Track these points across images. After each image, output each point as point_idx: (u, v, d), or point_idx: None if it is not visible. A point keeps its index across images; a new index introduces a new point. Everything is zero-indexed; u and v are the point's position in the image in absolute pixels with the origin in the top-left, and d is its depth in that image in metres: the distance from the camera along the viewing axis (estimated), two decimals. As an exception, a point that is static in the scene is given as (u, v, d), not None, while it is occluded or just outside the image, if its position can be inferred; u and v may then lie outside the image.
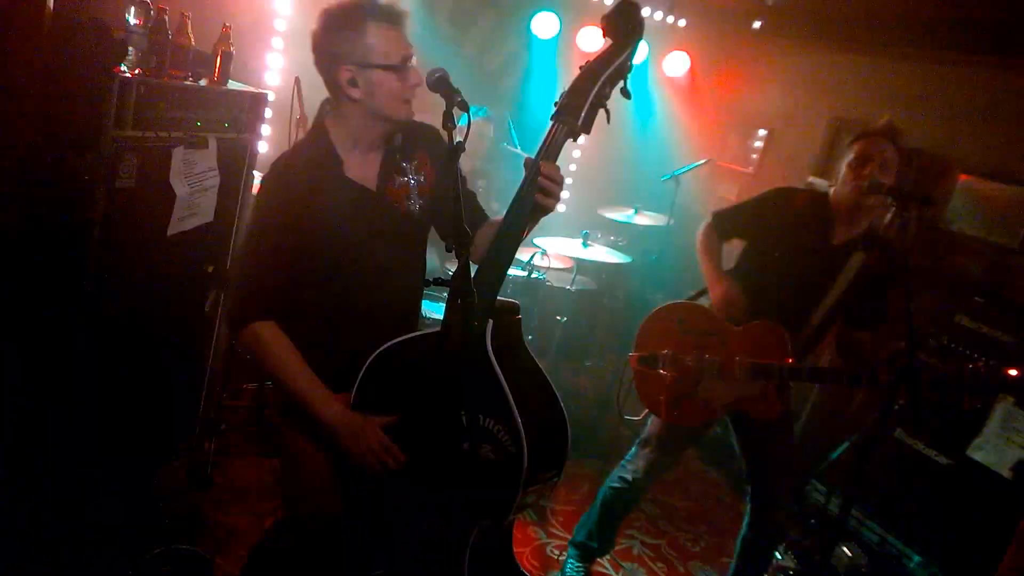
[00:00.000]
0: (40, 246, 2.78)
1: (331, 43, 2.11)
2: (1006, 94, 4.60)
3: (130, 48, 2.74)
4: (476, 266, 2.02)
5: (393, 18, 2.10)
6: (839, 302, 3.07)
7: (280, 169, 2.21)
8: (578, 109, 1.91)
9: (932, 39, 5.01)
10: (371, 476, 2.12)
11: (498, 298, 2.04)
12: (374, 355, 2.13)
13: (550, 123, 1.96)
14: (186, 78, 2.99)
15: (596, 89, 1.91)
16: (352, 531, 2.25)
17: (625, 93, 1.98)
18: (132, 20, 2.75)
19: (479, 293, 1.91)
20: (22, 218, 2.72)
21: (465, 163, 3.65)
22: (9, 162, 2.62)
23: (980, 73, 4.78)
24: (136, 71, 2.75)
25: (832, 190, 3.13)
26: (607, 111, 1.97)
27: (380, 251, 2.22)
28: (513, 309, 2.11)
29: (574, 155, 7.06)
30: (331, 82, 2.16)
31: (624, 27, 1.92)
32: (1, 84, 2.53)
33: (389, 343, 2.12)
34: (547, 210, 2.02)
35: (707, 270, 3.24)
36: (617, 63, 1.92)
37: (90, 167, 2.66)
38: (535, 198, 1.96)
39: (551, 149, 1.97)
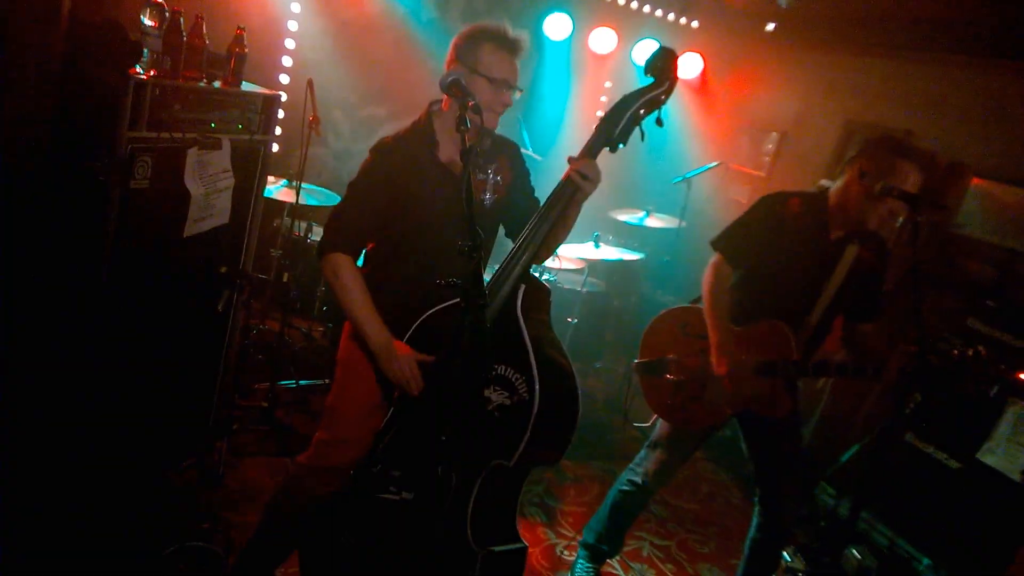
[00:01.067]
0: (55, 247, 2.81)
1: (456, 47, 2.53)
2: (1020, 98, 4.58)
3: (145, 50, 2.76)
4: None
5: (507, 45, 2.52)
6: (837, 296, 3.07)
7: (387, 142, 2.61)
8: (618, 121, 2.32)
9: (945, 42, 5.00)
10: (401, 404, 2.43)
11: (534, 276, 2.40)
12: (423, 316, 2.44)
13: (594, 130, 2.36)
14: (200, 80, 3.01)
15: (635, 108, 2.32)
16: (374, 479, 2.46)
17: (659, 122, 2.37)
18: (147, 22, 2.77)
19: (514, 260, 2.31)
20: (38, 219, 2.75)
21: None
22: (25, 163, 2.65)
23: (993, 76, 4.77)
24: (151, 72, 2.78)
25: (833, 188, 3.11)
26: (642, 131, 2.39)
27: (451, 231, 2.40)
28: (545, 289, 2.47)
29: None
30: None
31: (662, 69, 2.33)
32: (17, 85, 2.56)
33: (437, 307, 2.42)
34: (583, 191, 2.35)
35: (709, 314, 3.12)
36: (653, 94, 2.33)
37: (105, 168, 2.68)
38: (572, 180, 2.33)
39: (593, 147, 2.35)
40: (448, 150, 2.60)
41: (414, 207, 2.55)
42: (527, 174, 2.82)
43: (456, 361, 2.23)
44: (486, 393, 2.26)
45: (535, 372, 2.21)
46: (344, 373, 2.73)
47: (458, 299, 2.31)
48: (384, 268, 2.63)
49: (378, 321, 2.49)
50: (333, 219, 2.62)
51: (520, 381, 2.23)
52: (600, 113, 2.35)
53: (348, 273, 2.53)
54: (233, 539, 3.30)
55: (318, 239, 2.80)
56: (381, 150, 2.59)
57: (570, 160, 2.36)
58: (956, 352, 2.68)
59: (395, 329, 2.49)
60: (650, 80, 2.34)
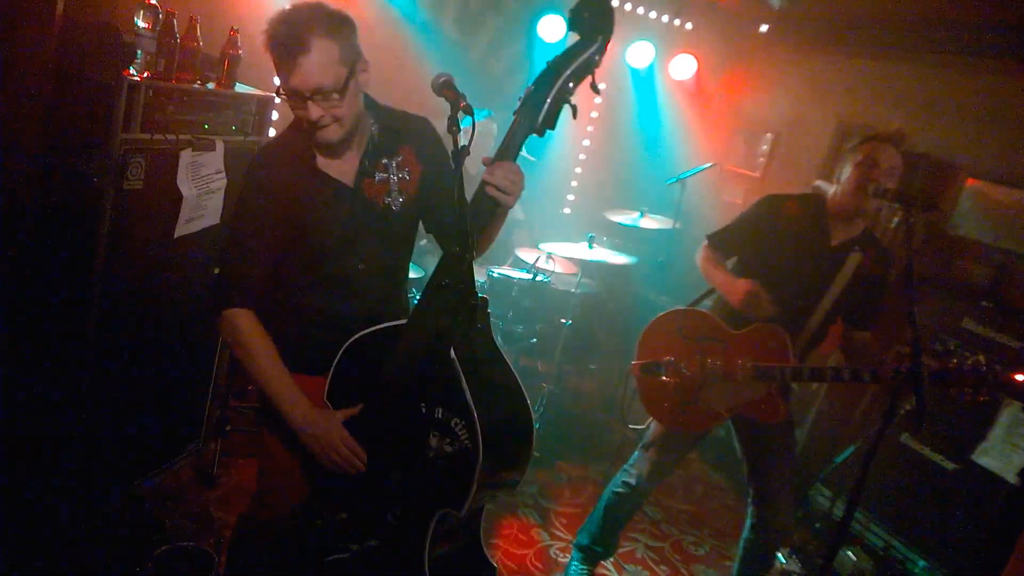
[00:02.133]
0: (49, 247, 2.81)
1: (355, 45, 2.15)
2: (1014, 98, 4.59)
3: (139, 51, 2.76)
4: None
5: (282, 52, 2.01)
6: (837, 303, 3.07)
7: (262, 159, 2.26)
8: (539, 105, 1.87)
9: (939, 43, 5.00)
10: (335, 473, 2.16)
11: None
12: (347, 344, 2.18)
13: (512, 117, 1.93)
14: (194, 81, 3.01)
15: (559, 85, 1.86)
16: (317, 518, 2.28)
17: (595, 89, 1.91)
18: (141, 23, 2.77)
19: (448, 288, 1.94)
20: (31, 220, 2.74)
21: (471, 166, 3.65)
22: (19, 164, 2.64)
23: (988, 77, 4.77)
24: (144, 74, 2.78)
25: (832, 191, 3.12)
26: (573, 107, 1.90)
27: (359, 248, 2.24)
28: (482, 305, 2.08)
29: (580, 157, 7.07)
30: (356, 77, 2.16)
31: (589, 21, 1.84)
32: (11, 87, 2.55)
33: (361, 333, 2.17)
34: (503, 206, 2.00)
35: (718, 278, 3.20)
36: (581, 60, 1.85)
37: (98, 169, 2.68)
38: (489, 195, 1.95)
39: (510, 146, 1.94)
40: (331, 158, 2.22)
41: (309, 232, 2.20)
42: (444, 155, 2.33)
43: (393, 394, 2.05)
44: (424, 439, 2.01)
45: (475, 417, 1.91)
46: (265, 432, 2.40)
47: (378, 326, 2.13)
48: (289, 303, 2.30)
49: (293, 390, 2.15)
50: (218, 273, 2.27)
51: (460, 426, 1.95)
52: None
53: (249, 331, 2.16)
54: (225, 538, 3.30)
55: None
56: (254, 170, 2.24)
57: (485, 163, 1.96)
58: (955, 361, 2.66)
59: (312, 367, 2.23)
60: (577, 39, 1.87)
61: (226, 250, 2.29)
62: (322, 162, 2.20)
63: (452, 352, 1.96)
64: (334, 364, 2.20)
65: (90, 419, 3.00)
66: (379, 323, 2.20)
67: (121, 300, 2.96)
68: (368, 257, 2.27)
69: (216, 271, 2.27)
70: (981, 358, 2.63)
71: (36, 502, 2.96)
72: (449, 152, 2.04)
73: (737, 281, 3.09)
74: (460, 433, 1.95)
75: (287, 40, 1.98)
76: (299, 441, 2.15)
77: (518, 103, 1.91)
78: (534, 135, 1.92)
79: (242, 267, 2.20)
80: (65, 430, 2.94)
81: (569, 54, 1.87)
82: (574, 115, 1.93)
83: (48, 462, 2.96)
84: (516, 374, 2.11)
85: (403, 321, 2.10)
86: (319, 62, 1.99)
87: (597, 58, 1.85)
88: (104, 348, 2.96)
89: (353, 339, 2.17)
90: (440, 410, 1.99)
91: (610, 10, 1.83)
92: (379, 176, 2.25)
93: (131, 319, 3.06)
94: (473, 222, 1.93)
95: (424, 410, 2.02)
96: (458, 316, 1.93)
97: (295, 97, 2.02)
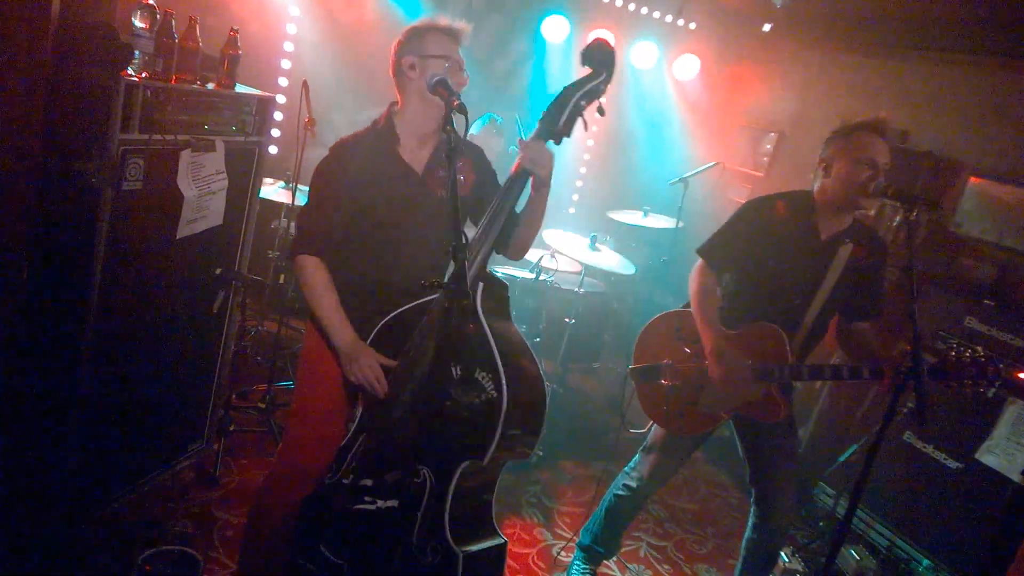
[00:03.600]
0: (48, 249, 2.82)
1: (400, 45, 2.58)
2: (1017, 96, 4.58)
3: (136, 51, 2.76)
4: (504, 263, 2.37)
5: (448, 32, 2.58)
6: (831, 297, 3.04)
7: (347, 141, 2.64)
8: (559, 116, 2.39)
9: (942, 40, 4.99)
10: (368, 410, 2.51)
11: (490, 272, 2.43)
12: (387, 318, 2.49)
13: (537, 123, 2.42)
14: (193, 81, 3.01)
15: (575, 100, 2.39)
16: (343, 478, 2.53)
17: (600, 111, 2.45)
18: (138, 24, 2.77)
19: (471, 257, 2.31)
20: (30, 221, 2.75)
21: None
22: (16, 165, 2.65)
23: (991, 74, 4.76)
24: (142, 74, 2.78)
25: (818, 184, 3.09)
26: (584, 121, 2.44)
27: (413, 225, 2.60)
28: (503, 285, 2.47)
29: (584, 157, 7.07)
30: (398, 73, 2.60)
31: (598, 59, 2.41)
32: (8, 88, 2.55)
33: (401, 309, 2.48)
34: (539, 177, 2.41)
35: (699, 318, 3.12)
36: (590, 86, 2.41)
37: (97, 170, 2.68)
38: (523, 167, 2.38)
39: (536, 135, 2.42)
40: (410, 148, 2.63)
41: (375, 206, 2.57)
42: (493, 174, 2.84)
43: (423, 361, 2.30)
44: (454, 394, 2.26)
45: (501, 370, 2.21)
46: (307, 371, 2.78)
47: (423, 299, 2.43)
48: (348, 268, 2.64)
49: (343, 321, 2.54)
50: (300, 222, 2.68)
51: (487, 379, 2.23)
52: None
53: (314, 274, 2.57)
54: (230, 539, 3.31)
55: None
56: (340, 149, 2.62)
57: (520, 143, 2.41)
58: (954, 353, 2.65)
59: (360, 331, 2.53)
60: (589, 72, 2.41)
61: (306, 210, 2.67)
62: (402, 149, 2.61)
63: (480, 311, 2.29)
64: (375, 330, 2.50)
65: (91, 420, 3.01)
66: (417, 294, 2.50)
67: (121, 300, 2.97)
68: (418, 235, 2.60)
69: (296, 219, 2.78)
70: (979, 349, 2.62)
71: (36, 504, 2.97)
72: (494, 177, 2.79)
73: (717, 359, 3.01)
74: (487, 385, 2.22)
75: (446, 27, 2.57)
76: (339, 360, 2.51)
77: (542, 112, 2.42)
78: (552, 139, 2.40)
79: (317, 224, 2.59)
80: (66, 431, 2.95)
81: (582, 81, 2.41)
82: (586, 127, 2.47)
83: (49, 464, 2.96)
84: (534, 355, 2.40)
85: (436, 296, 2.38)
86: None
87: (603, 87, 2.42)
88: (105, 349, 2.96)
89: (394, 313, 2.48)
90: (470, 367, 2.25)
91: (613, 54, 2.42)
92: (443, 172, 2.62)
93: (132, 319, 3.07)
94: (505, 200, 2.40)
95: (454, 370, 2.27)
96: (450, 314, 2.14)
97: (452, 63, 2.52)
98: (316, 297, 2.56)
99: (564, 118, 2.37)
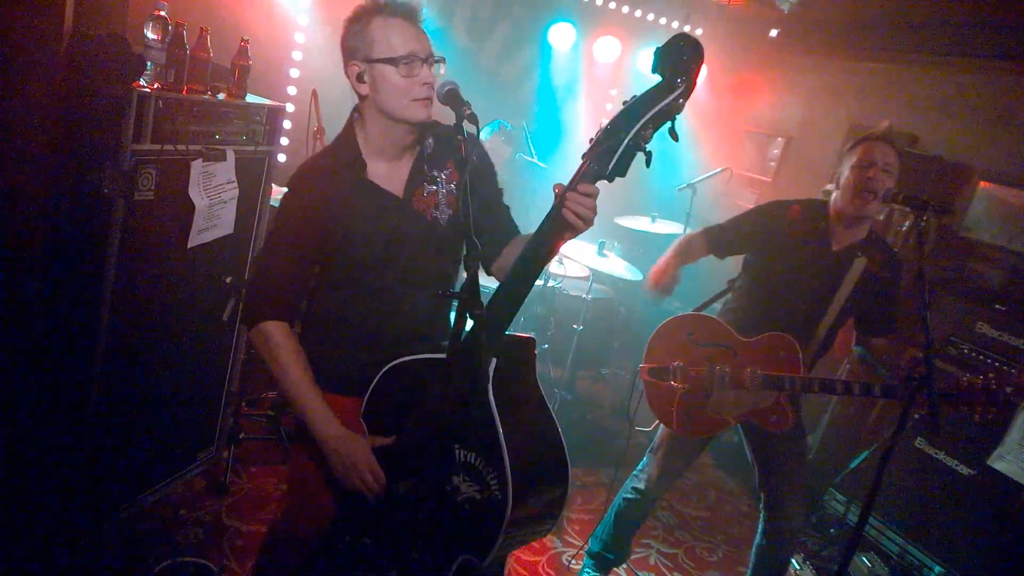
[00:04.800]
0: (61, 259, 2.83)
1: (344, 41, 2.13)
2: (1026, 100, 4.57)
3: (148, 63, 2.79)
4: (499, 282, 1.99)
5: (397, 11, 2.06)
6: (845, 308, 3.05)
7: (305, 171, 2.21)
8: (611, 152, 1.70)
9: (950, 44, 4.98)
10: (359, 497, 2.11)
11: (513, 334, 1.97)
12: (384, 369, 2.13)
13: (581, 160, 1.78)
14: (204, 92, 3.03)
15: (635, 131, 1.67)
16: (340, 552, 2.24)
17: (673, 135, 1.72)
18: (151, 35, 2.80)
19: (489, 325, 1.85)
20: (43, 231, 2.77)
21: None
22: (30, 176, 2.67)
23: (1000, 79, 4.75)
24: (154, 85, 2.80)
25: (833, 196, 3.10)
26: (648, 154, 1.71)
27: (404, 259, 2.19)
28: (527, 344, 2.04)
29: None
30: (352, 84, 2.15)
31: (675, 64, 1.64)
32: (21, 99, 2.57)
33: (401, 359, 2.11)
34: (575, 231, 1.84)
35: (662, 260, 3.29)
36: (661, 105, 1.66)
37: (109, 180, 2.70)
38: (564, 215, 1.80)
39: (580, 177, 1.80)
40: (378, 165, 2.18)
41: (351, 242, 2.14)
42: (491, 173, 2.35)
43: (426, 429, 1.98)
44: (454, 480, 1.92)
45: (507, 468, 1.80)
46: (299, 437, 2.36)
47: (426, 354, 2.05)
48: (331, 318, 2.26)
49: (321, 408, 2.11)
50: (254, 279, 2.26)
51: (491, 475, 1.85)
52: (605, 122, 1.74)
53: (281, 344, 2.14)
54: (240, 547, 3.32)
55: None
56: (298, 181, 2.19)
57: (558, 189, 1.82)
58: (966, 379, 2.66)
59: (351, 384, 2.20)
60: (660, 81, 1.67)
61: (260, 263, 2.29)
62: (372, 171, 2.17)
63: (491, 394, 1.85)
64: (373, 383, 2.15)
65: (103, 428, 3.02)
66: (421, 341, 2.19)
67: (133, 309, 2.98)
68: (412, 271, 2.22)
69: (246, 282, 2.25)
70: (991, 375, 2.63)
71: (47, 512, 2.98)
72: (496, 172, 2.24)
73: (659, 263, 3.22)
74: (491, 482, 1.85)
75: (393, 5, 2.06)
76: (324, 455, 2.11)
77: (589, 143, 1.76)
78: (604, 180, 1.76)
79: (275, 280, 2.18)
80: (77, 439, 2.96)
81: (650, 97, 1.67)
82: (648, 163, 1.73)
83: (60, 472, 2.97)
84: (555, 419, 2.02)
85: (443, 355, 1.98)
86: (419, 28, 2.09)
87: (681, 102, 1.67)
88: (117, 357, 2.98)
89: (394, 363, 2.11)
90: (473, 456, 1.90)
91: (696, 57, 1.63)
92: (428, 188, 2.22)
93: (143, 328, 3.08)
94: (538, 243, 1.85)
95: (458, 453, 1.92)
96: (474, 333, 1.85)
97: (411, 60, 2.04)
98: (288, 377, 2.12)
99: (619, 155, 1.70)
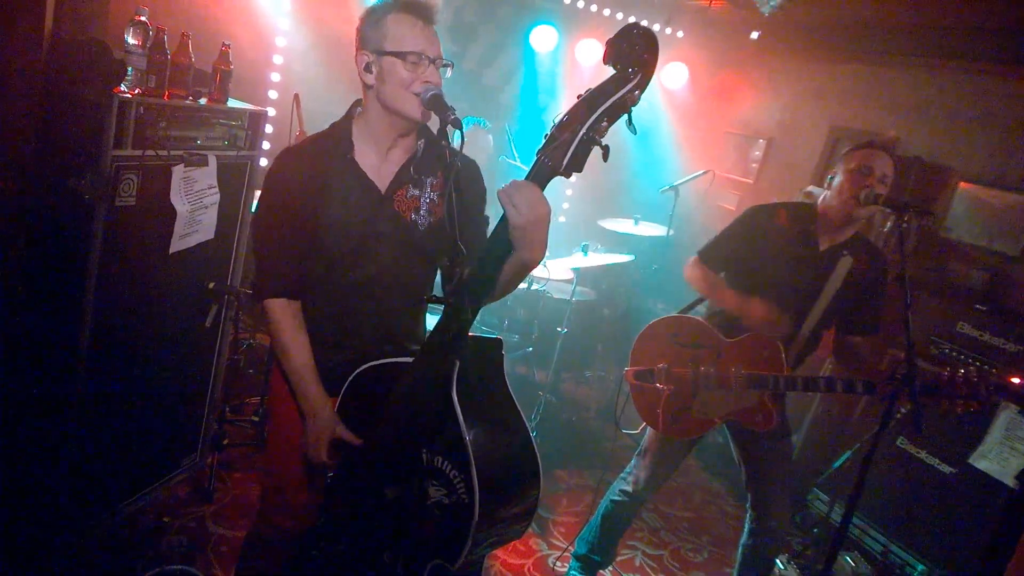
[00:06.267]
0: (42, 265, 2.81)
1: (359, 30, 2.17)
2: (1006, 101, 4.61)
3: (129, 68, 2.76)
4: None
5: (412, 8, 2.11)
6: (829, 309, 3.07)
7: (291, 149, 2.28)
8: (565, 146, 1.64)
9: (930, 47, 5.03)
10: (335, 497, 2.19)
11: (479, 335, 1.97)
12: (355, 373, 2.18)
13: (535, 157, 1.72)
14: (186, 97, 3.01)
15: (589, 124, 1.61)
16: (316, 557, 2.29)
17: (631, 128, 1.68)
18: (131, 40, 2.77)
19: (453, 328, 1.85)
20: (24, 238, 2.74)
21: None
22: (10, 182, 2.64)
23: (979, 80, 4.80)
24: (135, 91, 2.78)
25: (822, 197, 3.12)
26: (604, 148, 1.65)
27: (381, 254, 2.22)
28: (494, 346, 2.02)
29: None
30: (359, 71, 2.19)
31: (627, 55, 1.59)
32: (1, 105, 2.55)
33: (370, 364, 2.16)
34: (516, 228, 1.75)
35: (730, 300, 3.15)
36: (615, 97, 1.60)
37: (90, 186, 2.68)
38: (508, 224, 1.75)
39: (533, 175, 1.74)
40: (370, 159, 2.22)
41: (329, 226, 2.17)
42: (480, 195, 2.37)
43: (394, 433, 2.01)
44: (423, 484, 1.92)
45: (473, 471, 1.79)
46: (278, 433, 2.47)
47: (396, 358, 2.08)
48: (312, 303, 2.30)
49: (313, 380, 2.22)
50: (256, 265, 2.30)
51: (458, 480, 1.84)
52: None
53: (281, 320, 2.22)
54: (225, 554, 3.30)
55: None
56: (282, 156, 2.24)
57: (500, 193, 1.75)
58: (947, 373, 2.69)
59: (331, 384, 2.24)
60: (614, 72, 1.62)
61: (255, 244, 2.36)
62: (361, 158, 2.21)
63: (455, 398, 1.83)
64: (343, 388, 2.21)
65: (85, 435, 3.00)
66: (393, 344, 2.24)
67: (115, 316, 2.96)
68: (386, 271, 2.24)
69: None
70: (972, 369, 2.65)
71: (30, 518, 2.96)
72: (483, 193, 2.29)
73: (752, 303, 3.04)
74: (458, 486, 1.84)
75: (409, 3, 2.10)
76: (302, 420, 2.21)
77: (543, 139, 1.70)
78: (560, 176, 1.69)
79: (271, 260, 2.24)
80: (59, 446, 2.93)
81: (604, 90, 1.62)
82: (604, 157, 1.66)
83: (42, 479, 2.95)
84: (525, 421, 2.01)
85: (411, 359, 2.02)
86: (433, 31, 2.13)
87: (637, 94, 1.60)
88: (98, 364, 2.95)
89: (363, 367, 2.16)
90: (440, 459, 1.89)
91: (649, 46, 1.58)
92: (411, 191, 2.24)
93: (125, 334, 3.06)
94: (490, 255, 1.82)
95: (424, 458, 1.93)
96: (458, 346, 1.84)
97: (419, 58, 2.08)
98: (282, 348, 2.23)
99: (574, 148, 1.63)
